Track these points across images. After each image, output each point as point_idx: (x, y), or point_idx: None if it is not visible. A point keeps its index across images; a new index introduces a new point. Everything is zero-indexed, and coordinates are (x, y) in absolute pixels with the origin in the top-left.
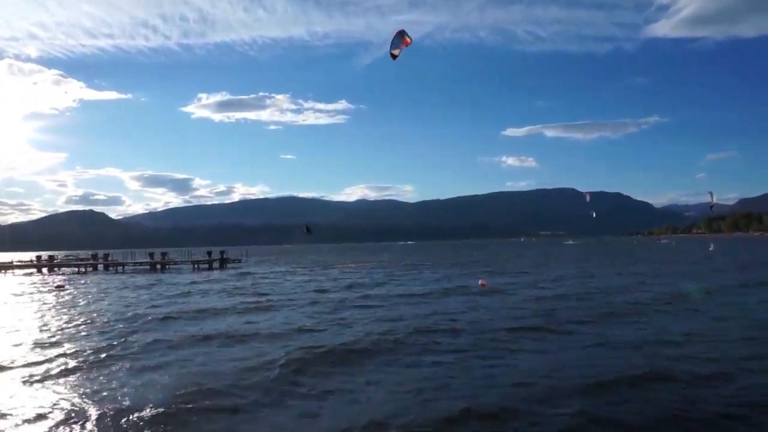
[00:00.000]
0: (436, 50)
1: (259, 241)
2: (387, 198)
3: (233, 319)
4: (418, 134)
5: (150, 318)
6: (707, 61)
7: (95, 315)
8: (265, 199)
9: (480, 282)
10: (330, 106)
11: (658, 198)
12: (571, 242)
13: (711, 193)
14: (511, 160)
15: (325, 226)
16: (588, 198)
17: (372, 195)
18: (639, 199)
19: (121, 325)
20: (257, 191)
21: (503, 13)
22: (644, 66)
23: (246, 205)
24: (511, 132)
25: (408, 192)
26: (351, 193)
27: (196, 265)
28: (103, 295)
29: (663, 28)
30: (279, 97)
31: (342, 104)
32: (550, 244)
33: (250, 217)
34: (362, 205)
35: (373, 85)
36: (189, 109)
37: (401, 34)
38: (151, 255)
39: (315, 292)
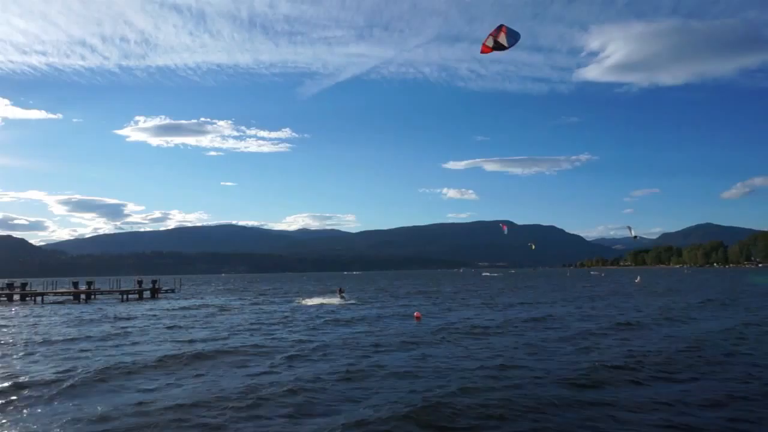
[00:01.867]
0: (381, 83)
1: (196, 270)
2: (329, 228)
3: (159, 381)
4: (361, 165)
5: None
6: (632, 105)
7: None
8: (203, 227)
9: (415, 314)
10: (274, 134)
11: (589, 231)
12: (513, 272)
13: (629, 228)
14: (452, 192)
15: (266, 256)
16: (505, 230)
17: (314, 224)
18: (572, 232)
19: None
20: (195, 218)
21: (447, 50)
22: (577, 107)
23: (182, 232)
24: (452, 165)
25: (350, 222)
26: (292, 222)
27: (124, 296)
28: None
29: (593, 73)
30: (221, 123)
31: (286, 132)
32: (495, 274)
33: (186, 245)
34: (304, 234)
35: (318, 115)
36: (124, 131)
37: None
38: (75, 284)
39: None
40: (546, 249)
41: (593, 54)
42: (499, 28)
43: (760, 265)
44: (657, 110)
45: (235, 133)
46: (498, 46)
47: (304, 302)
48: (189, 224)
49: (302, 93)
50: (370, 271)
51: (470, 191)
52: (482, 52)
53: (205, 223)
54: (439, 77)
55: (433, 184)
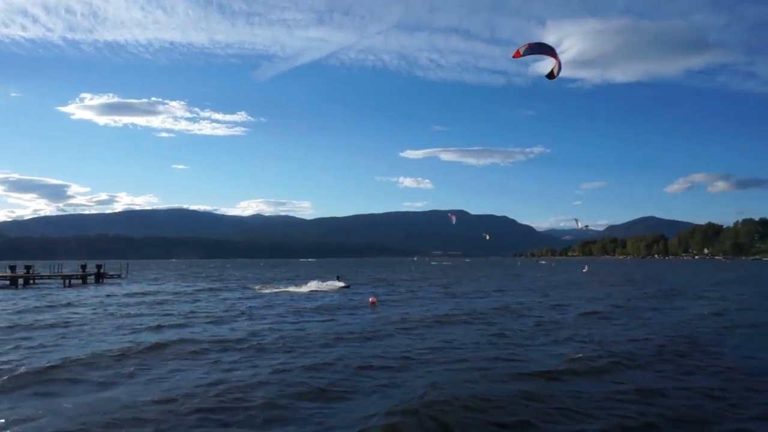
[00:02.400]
0: (340, 69)
1: (144, 255)
2: (284, 214)
3: (107, 378)
4: (317, 151)
5: None
6: (585, 100)
7: None
8: (153, 211)
9: (370, 300)
10: (229, 117)
11: (541, 222)
12: (468, 260)
13: (576, 220)
14: (408, 181)
15: (218, 241)
16: (453, 220)
17: (268, 210)
18: (523, 222)
19: None
20: (144, 202)
21: (407, 39)
22: (532, 100)
23: (130, 216)
24: (409, 154)
25: (305, 209)
26: (246, 208)
27: (66, 281)
28: None
29: (549, 67)
30: (173, 103)
31: (242, 116)
32: (449, 263)
33: (134, 229)
34: (258, 220)
35: (275, 99)
36: (69, 109)
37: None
38: (12, 268)
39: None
40: (498, 239)
41: None
42: (553, 54)
43: (696, 257)
44: (608, 106)
45: (188, 115)
46: (549, 74)
47: (299, 289)
48: (137, 207)
49: (259, 76)
50: (325, 258)
51: (426, 180)
52: (514, 56)
53: (154, 207)
54: (399, 65)
55: (389, 173)
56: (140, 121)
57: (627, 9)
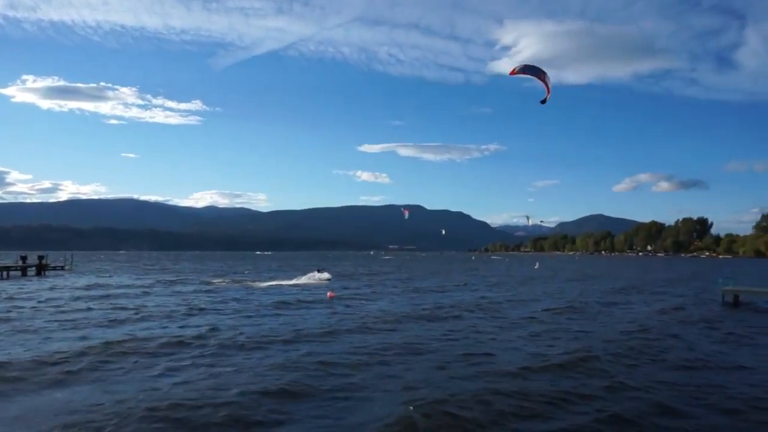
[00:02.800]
0: (299, 61)
1: (91, 246)
2: (239, 206)
3: (47, 383)
4: (274, 143)
5: None
6: (538, 100)
7: None
8: (101, 201)
9: (328, 294)
10: (183, 106)
11: (495, 218)
12: (424, 255)
13: (527, 217)
14: (365, 175)
15: (171, 233)
16: (406, 215)
17: (223, 202)
18: (478, 218)
19: None
20: (91, 191)
21: (368, 32)
22: (489, 98)
23: (76, 205)
24: (366, 148)
25: (261, 201)
26: (200, 199)
27: (4, 273)
28: None
29: (505, 66)
30: (124, 89)
31: (196, 105)
32: (406, 257)
33: (81, 220)
34: (212, 212)
35: (232, 89)
36: (9, 91)
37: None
38: None
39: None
40: (453, 234)
41: (506, 48)
42: (543, 78)
43: (640, 253)
44: (562, 106)
45: (140, 102)
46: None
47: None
48: (84, 197)
49: (215, 64)
50: (281, 251)
51: (384, 175)
52: (510, 73)
53: (102, 197)
54: (358, 59)
55: (347, 166)
56: (88, 106)
57: (582, 12)
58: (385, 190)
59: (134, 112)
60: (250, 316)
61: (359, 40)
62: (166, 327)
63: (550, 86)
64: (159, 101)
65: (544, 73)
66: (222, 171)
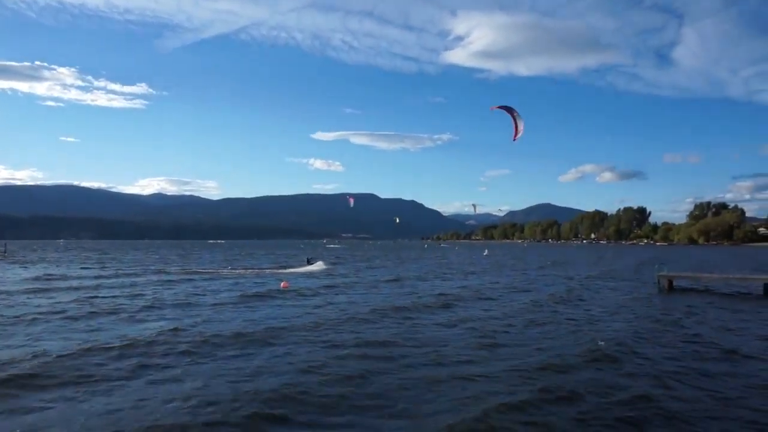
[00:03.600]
0: (251, 45)
1: (26, 235)
2: (188, 193)
3: None
4: (225, 129)
5: None
6: (491, 91)
7: None
8: (36, 187)
9: (282, 284)
10: (127, 89)
11: (447, 207)
12: (379, 243)
13: (474, 205)
14: (318, 163)
15: (115, 221)
16: (351, 203)
17: (171, 189)
18: (431, 207)
19: None
20: (26, 176)
21: (321, 19)
22: (442, 88)
23: (9, 192)
24: (320, 136)
25: (211, 188)
26: (146, 186)
27: None
28: None
29: (458, 57)
30: (62, 70)
31: (142, 88)
32: (357, 245)
33: (14, 207)
34: (159, 199)
35: (180, 72)
36: None
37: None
38: None
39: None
40: (407, 222)
41: (459, 39)
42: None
43: (584, 241)
44: (512, 97)
45: (80, 83)
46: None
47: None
48: (18, 183)
49: (162, 46)
50: (233, 240)
51: (337, 163)
52: (491, 108)
53: (38, 183)
54: (312, 45)
55: (300, 154)
56: (22, 86)
57: (532, 6)
58: (338, 178)
59: (74, 94)
60: (216, 311)
61: (313, 26)
62: (119, 328)
63: (520, 128)
64: (101, 83)
65: (516, 114)
66: (170, 157)
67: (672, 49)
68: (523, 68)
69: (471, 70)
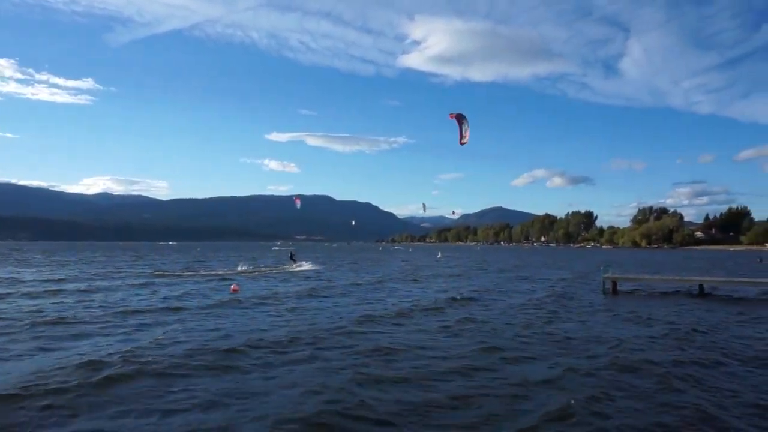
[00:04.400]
0: (205, 42)
1: None
2: (135, 193)
3: None
4: (176, 127)
5: None
6: (446, 95)
7: None
8: None
9: (232, 287)
10: (72, 83)
11: (402, 209)
12: (335, 245)
13: (423, 205)
14: (273, 164)
15: (57, 221)
16: (298, 204)
17: (118, 189)
18: (385, 209)
19: None
20: None
21: (278, 18)
22: (398, 91)
23: None
24: (275, 136)
25: (161, 188)
26: (91, 185)
27: None
28: None
29: (415, 61)
30: (0, 61)
31: (88, 83)
32: (311, 247)
33: None
34: (105, 199)
35: (129, 68)
36: None
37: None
38: None
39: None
40: (361, 225)
41: (416, 43)
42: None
43: (535, 244)
44: (467, 102)
45: (20, 76)
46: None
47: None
48: None
49: (111, 40)
50: (184, 241)
51: (292, 164)
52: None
53: None
54: (268, 45)
55: (254, 155)
56: None
57: (488, 13)
58: (293, 179)
59: (12, 87)
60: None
61: (269, 25)
62: (77, 346)
63: (466, 135)
64: (43, 77)
65: (465, 121)
66: (117, 156)
67: (619, 60)
68: (477, 74)
69: (427, 75)
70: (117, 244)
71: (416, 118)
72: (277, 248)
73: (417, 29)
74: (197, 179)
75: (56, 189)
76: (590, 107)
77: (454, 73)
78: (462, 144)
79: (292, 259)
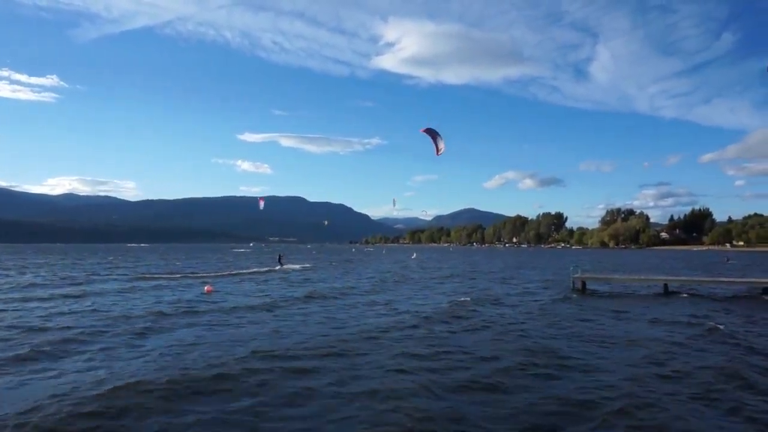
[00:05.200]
0: (177, 41)
1: None
2: (103, 194)
3: None
4: (146, 126)
5: None
6: (420, 97)
7: None
8: None
9: (206, 288)
10: (35, 80)
11: (375, 211)
12: (309, 246)
13: (394, 200)
14: (246, 165)
15: (18, 223)
16: (261, 204)
17: (84, 190)
18: (359, 211)
19: None
20: None
21: (252, 17)
22: (372, 92)
23: None
24: (248, 137)
25: (129, 189)
26: (56, 185)
27: None
28: None
29: (389, 62)
30: None
31: (52, 80)
32: (288, 248)
33: None
34: (70, 200)
35: (97, 65)
36: None
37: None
38: None
39: None
40: (335, 226)
41: (390, 45)
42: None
43: (506, 245)
44: (440, 104)
45: None
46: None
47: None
48: None
49: (78, 36)
50: (155, 243)
51: (265, 165)
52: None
53: None
54: (241, 44)
55: (226, 155)
56: None
57: (461, 17)
58: (266, 180)
59: None
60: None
61: (242, 24)
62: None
63: (439, 147)
64: (4, 73)
65: (437, 136)
66: (83, 155)
67: (588, 64)
68: (451, 76)
69: (401, 76)
70: (84, 247)
71: (390, 120)
72: (249, 250)
73: (391, 31)
74: (167, 180)
75: (18, 189)
76: (561, 110)
77: (427, 75)
78: (438, 155)
79: (280, 262)
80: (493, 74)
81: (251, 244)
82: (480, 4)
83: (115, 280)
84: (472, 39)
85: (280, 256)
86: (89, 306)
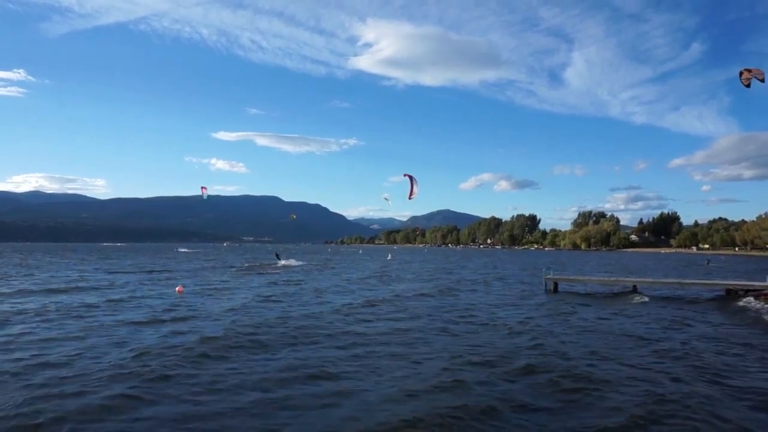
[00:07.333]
0: (151, 37)
1: None
2: (71, 192)
3: None
4: (117, 123)
5: None
6: (397, 99)
7: None
8: None
9: (177, 288)
10: (2, 74)
11: (351, 211)
12: (290, 246)
13: (386, 197)
14: (220, 164)
15: None
16: (205, 194)
17: (51, 187)
18: (335, 211)
19: None
20: None
21: (229, 15)
22: (349, 93)
23: None
24: (222, 135)
25: (99, 187)
26: (21, 183)
27: None
28: None
29: (366, 63)
30: None
31: (19, 74)
32: (259, 248)
33: None
34: (36, 197)
35: (67, 60)
36: None
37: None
38: None
39: None
40: (311, 226)
41: (368, 45)
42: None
43: (481, 246)
44: (417, 106)
45: None
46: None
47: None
48: None
49: (47, 30)
50: (127, 242)
51: (240, 164)
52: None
53: None
54: (218, 42)
55: (200, 154)
56: None
57: (439, 19)
58: (241, 179)
59: None
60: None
61: (219, 22)
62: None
63: (415, 190)
64: None
65: (415, 182)
66: (51, 152)
67: (563, 69)
68: (428, 78)
69: (378, 77)
70: (52, 245)
71: (367, 121)
72: (192, 251)
73: (369, 32)
74: (139, 178)
75: None
76: (536, 114)
77: (404, 76)
78: (410, 199)
79: (278, 257)
80: (470, 77)
81: (225, 244)
82: (458, 7)
83: None
84: (449, 41)
85: (277, 254)
86: None
